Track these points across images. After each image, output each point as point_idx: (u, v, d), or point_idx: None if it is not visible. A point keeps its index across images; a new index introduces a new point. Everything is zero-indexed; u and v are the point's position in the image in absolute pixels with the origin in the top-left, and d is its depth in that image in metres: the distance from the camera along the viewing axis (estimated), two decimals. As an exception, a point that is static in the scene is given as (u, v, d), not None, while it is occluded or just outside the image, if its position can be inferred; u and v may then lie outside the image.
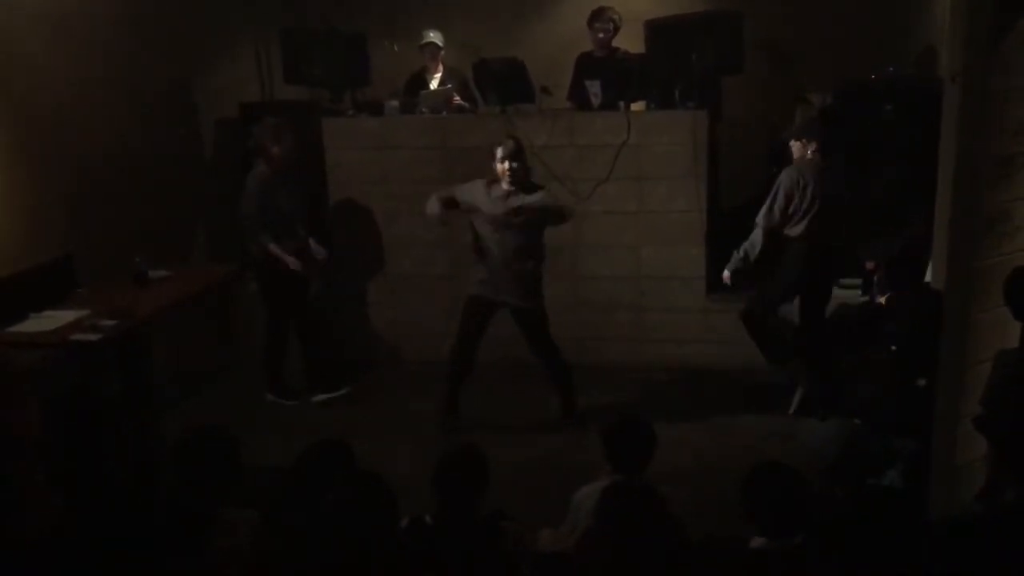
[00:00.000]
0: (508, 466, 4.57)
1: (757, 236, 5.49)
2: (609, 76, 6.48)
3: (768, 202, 5.44)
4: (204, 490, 3.17)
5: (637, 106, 6.40)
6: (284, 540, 3.08)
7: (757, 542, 3.01)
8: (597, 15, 6.78)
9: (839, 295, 5.96)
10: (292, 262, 5.84)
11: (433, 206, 5.46)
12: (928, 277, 4.86)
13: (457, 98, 6.74)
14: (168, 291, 5.38)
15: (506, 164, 5.28)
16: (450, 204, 5.45)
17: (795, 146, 5.46)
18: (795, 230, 5.45)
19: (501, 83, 6.50)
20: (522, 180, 5.34)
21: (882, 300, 5.35)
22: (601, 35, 6.76)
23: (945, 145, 3.95)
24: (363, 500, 2.98)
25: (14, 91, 5.29)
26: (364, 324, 6.87)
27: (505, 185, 5.32)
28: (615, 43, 6.81)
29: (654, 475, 3.60)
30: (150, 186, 6.41)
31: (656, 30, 6.34)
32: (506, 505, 3.38)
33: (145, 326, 4.99)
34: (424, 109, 6.63)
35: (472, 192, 5.42)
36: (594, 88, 6.43)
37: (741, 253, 5.54)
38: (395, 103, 6.68)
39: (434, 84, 7.05)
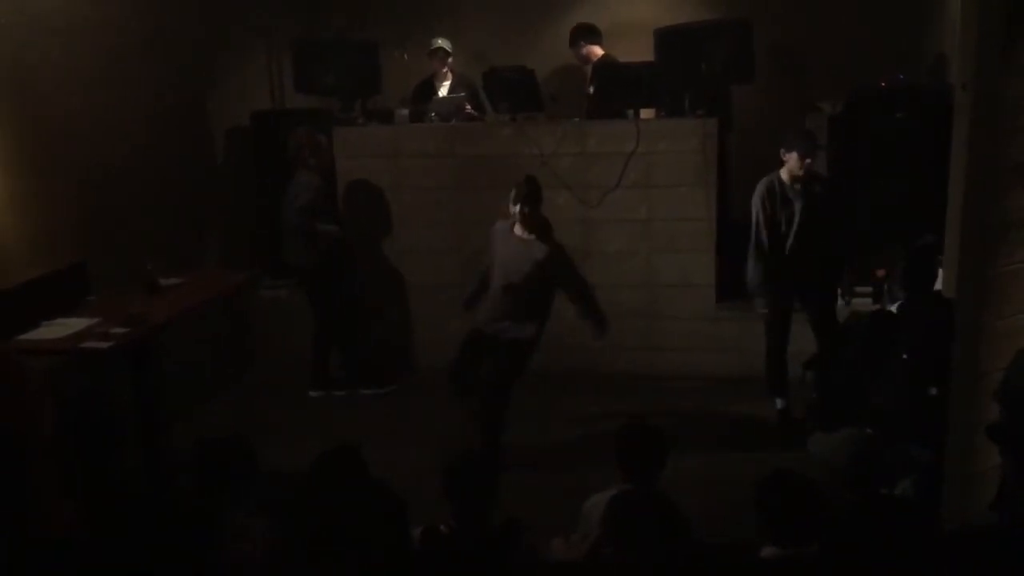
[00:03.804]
0: (520, 474, 4.56)
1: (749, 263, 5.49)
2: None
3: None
4: (220, 496, 3.19)
5: (647, 114, 6.41)
6: (295, 546, 3.08)
7: (769, 551, 2.99)
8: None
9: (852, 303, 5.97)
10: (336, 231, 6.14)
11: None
12: (939, 285, 4.84)
13: (468, 107, 6.76)
14: (180, 298, 5.40)
15: (517, 207, 5.07)
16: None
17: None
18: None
19: (511, 91, 6.52)
20: (535, 225, 5.11)
21: (893, 308, 5.33)
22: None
23: (956, 152, 3.94)
24: (372, 507, 2.98)
25: (27, 99, 5.32)
26: (374, 332, 6.87)
27: (519, 230, 5.14)
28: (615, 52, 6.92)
29: (665, 483, 3.59)
30: (162, 193, 6.44)
31: (665, 38, 6.35)
32: (518, 514, 3.37)
33: (156, 334, 5.00)
34: (434, 115, 6.65)
35: (497, 234, 5.27)
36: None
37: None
38: (405, 111, 6.71)
39: (443, 91, 7.07)
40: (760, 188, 5.44)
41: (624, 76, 6.58)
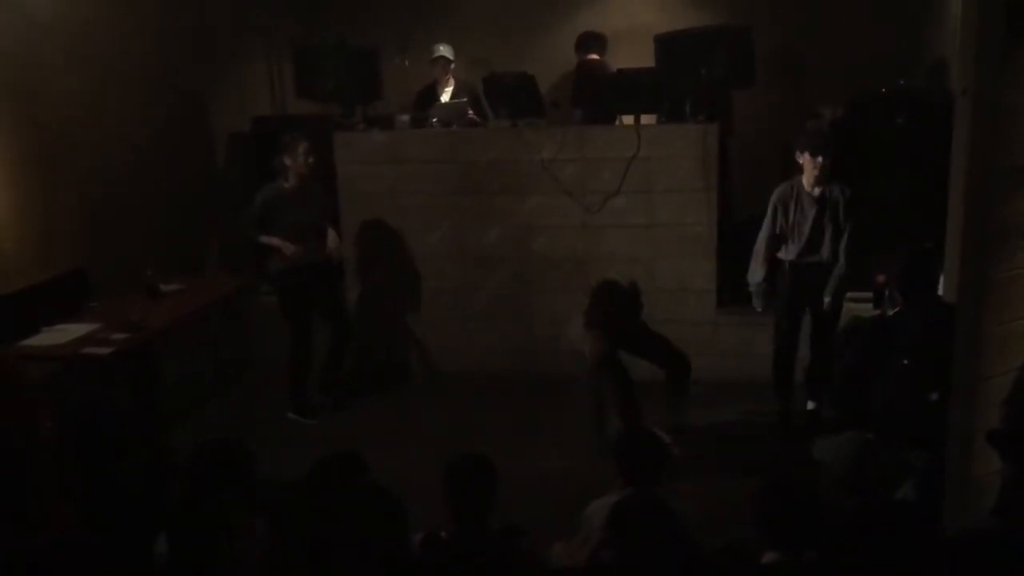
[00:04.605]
0: (521, 480, 4.55)
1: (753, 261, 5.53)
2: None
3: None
4: (218, 498, 3.19)
5: (648, 119, 6.42)
6: (295, 549, 3.08)
7: (769, 556, 2.99)
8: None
9: (850, 308, 5.96)
10: (286, 246, 5.80)
11: None
12: (940, 290, 4.84)
13: (471, 112, 6.77)
14: (180, 304, 5.41)
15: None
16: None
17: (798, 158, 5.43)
18: (787, 252, 5.47)
19: (512, 97, 6.53)
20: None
21: (892, 313, 5.34)
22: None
23: (956, 158, 3.95)
24: (372, 511, 2.98)
25: (28, 104, 5.34)
26: (376, 336, 6.88)
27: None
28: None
29: (665, 488, 3.58)
30: (163, 199, 6.45)
31: (666, 44, 6.35)
32: (518, 519, 3.37)
33: (157, 339, 5.01)
34: (436, 121, 6.66)
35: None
36: None
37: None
38: (406, 117, 6.71)
39: (445, 97, 7.10)
40: (776, 192, 5.47)
41: (605, 80, 6.63)
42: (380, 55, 6.90)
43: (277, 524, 3.22)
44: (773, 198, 5.47)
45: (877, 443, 4.45)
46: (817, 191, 5.36)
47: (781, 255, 5.54)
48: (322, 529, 2.96)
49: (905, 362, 4.49)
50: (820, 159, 5.27)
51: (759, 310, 5.64)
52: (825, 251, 5.42)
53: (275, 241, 5.82)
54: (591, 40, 7.46)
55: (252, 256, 6.48)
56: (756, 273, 5.57)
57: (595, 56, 7.47)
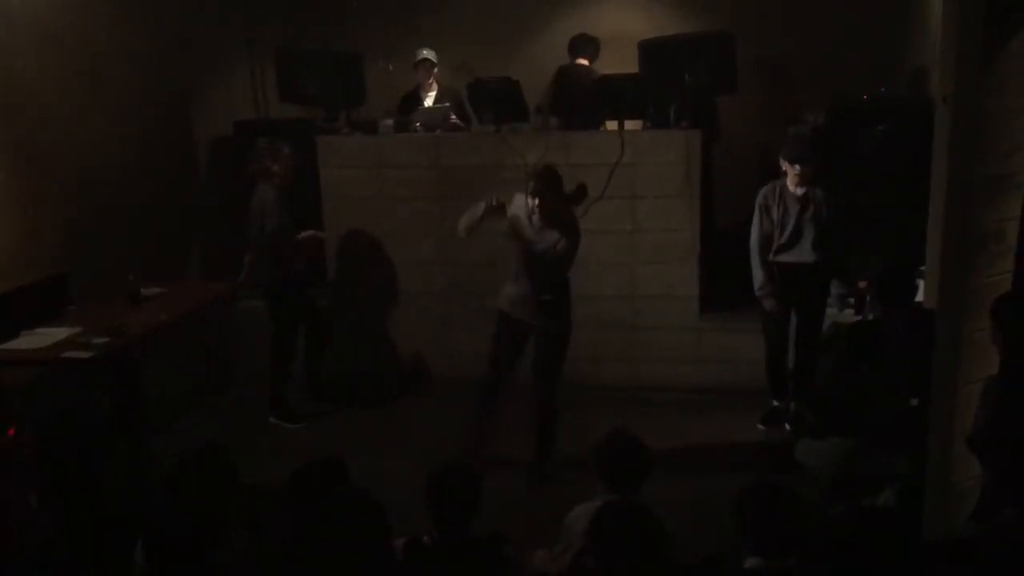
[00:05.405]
0: (503, 487, 4.55)
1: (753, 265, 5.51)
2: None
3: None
4: (201, 508, 3.17)
5: (632, 125, 6.43)
6: (277, 557, 3.07)
7: (752, 562, 2.99)
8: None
9: (830, 314, 5.99)
10: (307, 242, 6.06)
11: (475, 211, 5.11)
12: (920, 296, 4.87)
13: (453, 116, 6.77)
14: (161, 308, 5.37)
15: (534, 200, 4.99)
16: (496, 212, 5.10)
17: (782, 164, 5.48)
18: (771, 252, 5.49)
19: (496, 102, 6.53)
20: (552, 215, 5.02)
21: (872, 318, 5.37)
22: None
23: (937, 164, 3.97)
24: (354, 517, 2.97)
25: (10, 108, 5.30)
26: (359, 341, 6.86)
27: (536, 220, 5.06)
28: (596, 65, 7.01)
29: (648, 494, 3.58)
30: (145, 203, 6.41)
31: (650, 50, 6.38)
32: (500, 526, 3.36)
33: (138, 344, 4.98)
34: (419, 125, 6.65)
35: (517, 209, 5.12)
36: None
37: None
38: (390, 122, 6.70)
39: (428, 102, 7.10)
40: (761, 193, 5.52)
41: (589, 86, 6.64)
42: (364, 59, 6.89)
43: (259, 531, 3.21)
44: (758, 199, 5.51)
45: (862, 449, 4.48)
46: (800, 191, 5.41)
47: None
48: (303, 536, 2.95)
49: (886, 368, 4.51)
50: (798, 167, 5.32)
51: (774, 313, 5.56)
52: (808, 251, 5.45)
53: (308, 232, 6.06)
54: (582, 43, 7.47)
55: (239, 261, 6.45)
56: (758, 276, 5.54)
57: (584, 61, 7.48)
